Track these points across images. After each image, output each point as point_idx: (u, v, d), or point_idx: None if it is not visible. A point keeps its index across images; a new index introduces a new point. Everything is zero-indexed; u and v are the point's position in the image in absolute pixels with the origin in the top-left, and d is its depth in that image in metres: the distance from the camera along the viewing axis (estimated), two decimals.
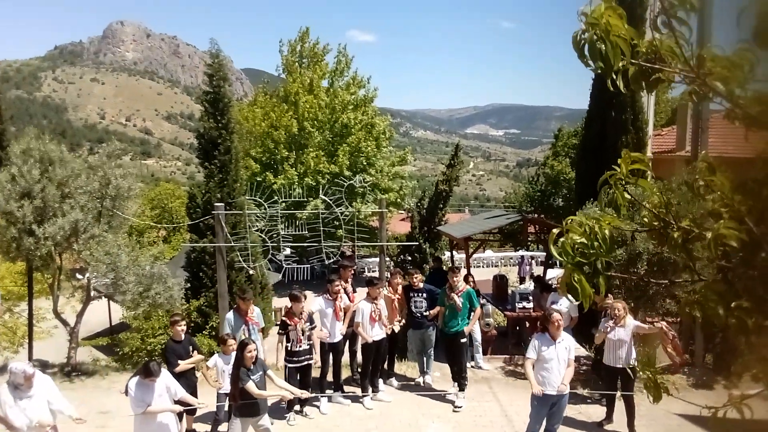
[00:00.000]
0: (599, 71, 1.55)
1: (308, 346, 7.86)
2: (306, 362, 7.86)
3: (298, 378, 7.86)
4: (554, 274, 17.67)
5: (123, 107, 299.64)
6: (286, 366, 7.87)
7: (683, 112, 13.43)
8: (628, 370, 7.28)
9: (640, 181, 1.72)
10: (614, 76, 1.57)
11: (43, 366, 10.33)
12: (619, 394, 7.55)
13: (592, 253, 1.57)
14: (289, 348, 7.77)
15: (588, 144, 12.99)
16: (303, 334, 7.75)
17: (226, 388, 6.60)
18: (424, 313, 8.84)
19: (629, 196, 1.71)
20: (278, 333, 7.92)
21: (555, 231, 1.68)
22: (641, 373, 2.23)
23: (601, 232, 1.58)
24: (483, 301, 11.14)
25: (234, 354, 6.63)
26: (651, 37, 1.61)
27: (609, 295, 8.21)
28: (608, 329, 7.36)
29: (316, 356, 8.04)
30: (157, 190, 38.11)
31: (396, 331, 8.85)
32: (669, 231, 1.73)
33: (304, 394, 6.98)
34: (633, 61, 1.55)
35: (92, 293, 10.69)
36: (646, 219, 1.82)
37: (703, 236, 1.66)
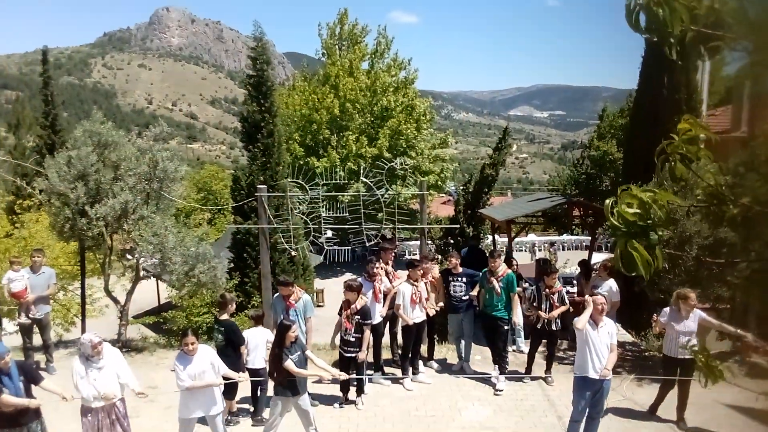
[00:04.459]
0: (654, 39, 1.45)
1: (353, 339, 7.61)
2: (353, 354, 7.66)
3: (351, 368, 7.74)
4: (599, 258, 17.29)
5: (169, 92, 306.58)
6: (339, 353, 7.90)
7: (739, 91, 12.85)
8: (690, 361, 7.06)
9: (702, 150, 1.62)
10: (670, 44, 1.47)
11: None
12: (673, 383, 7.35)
13: (648, 224, 1.49)
14: (341, 335, 7.78)
15: (638, 124, 12.59)
16: (351, 322, 7.61)
17: (251, 363, 7.20)
18: (463, 298, 8.78)
19: (687, 169, 1.62)
20: (338, 313, 7.87)
21: (608, 201, 1.61)
22: (694, 356, 2.14)
23: (658, 204, 1.50)
24: (526, 284, 11.00)
25: (254, 330, 7.31)
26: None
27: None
28: (664, 320, 7.12)
29: (362, 354, 7.67)
30: (203, 174, 38.92)
31: (431, 315, 8.77)
32: (727, 208, 1.63)
33: (342, 375, 6.96)
34: (692, 27, 1.45)
35: (141, 273, 11.00)
36: (701, 196, 1.72)
37: (765, 213, 1.56)
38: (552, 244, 25.91)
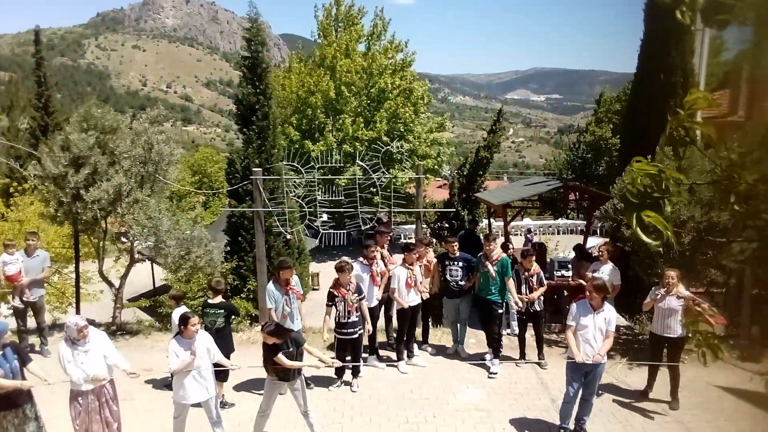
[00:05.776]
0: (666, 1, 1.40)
1: (357, 318, 7.67)
2: (356, 334, 7.71)
3: (349, 350, 7.80)
4: (594, 242, 17.32)
5: (164, 74, 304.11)
6: (336, 337, 7.84)
7: (737, 75, 12.79)
8: (676, 340, 7.16)
9: (707, 127, 1.59)
10: (682, 9, 1.42)
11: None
12: (661, 363, 7.44)
13: (660, 194, 1.46)
14: (337, 319, 7.70)
15: (635, 108, 12.55)
16: (352, 305, 7.60)
17: None
18: (460, 282, 8.79)
19: (692, 145, 1.59)
20: (327, 305, 7.73)
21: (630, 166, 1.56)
22: (693, 335, 2.14)
23: (668, 175, 1.47)
24: None
25: (178, 310, 7.00)
26: None
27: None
28: (658, 297, 7.20)
29: (368, 326, 7.84)
30: (197, 156, 38.67)
31: (423, 299, 8.76)
32: (733, 185, 1.60)
33: (336, 363, 6.85)
34: None
35: (136, 256, 10.96)
36: (710, 172, 1.69)
37: None
38: (529, 230, 25.77)
